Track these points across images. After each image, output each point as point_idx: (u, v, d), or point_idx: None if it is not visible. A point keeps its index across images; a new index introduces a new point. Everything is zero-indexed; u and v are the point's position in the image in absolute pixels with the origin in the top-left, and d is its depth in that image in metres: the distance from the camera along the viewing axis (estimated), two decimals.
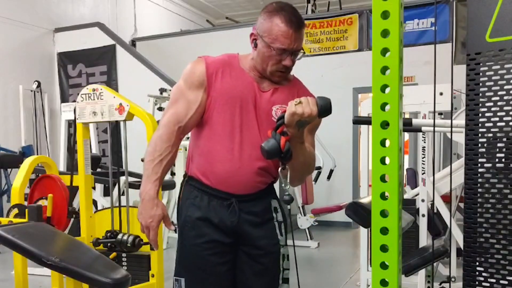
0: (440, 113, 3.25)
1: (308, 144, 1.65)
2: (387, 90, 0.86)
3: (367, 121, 2.47)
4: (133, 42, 8.48)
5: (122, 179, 2.87)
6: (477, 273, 1.00)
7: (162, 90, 5.65)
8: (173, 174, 5.22)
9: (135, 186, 3.69)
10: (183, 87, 1.66)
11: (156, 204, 1.59)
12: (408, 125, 2.28)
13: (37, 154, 6.44)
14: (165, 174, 1.64)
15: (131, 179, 3.55)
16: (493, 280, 0.98)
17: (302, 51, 1.65)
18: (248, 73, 1.68)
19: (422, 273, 2.92)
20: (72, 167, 3.06)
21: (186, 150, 4.13)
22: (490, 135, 0.98)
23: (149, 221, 1.59)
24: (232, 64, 1.68)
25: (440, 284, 3.25)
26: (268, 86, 1.69)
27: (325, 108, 1.46)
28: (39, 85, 7.06)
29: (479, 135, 0.99)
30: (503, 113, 0.96)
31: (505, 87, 0.95)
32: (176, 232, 1.79)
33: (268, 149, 1.45)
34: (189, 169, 1.74)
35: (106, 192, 5.01)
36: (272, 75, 1.66)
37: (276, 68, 1.63)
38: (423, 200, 3.00)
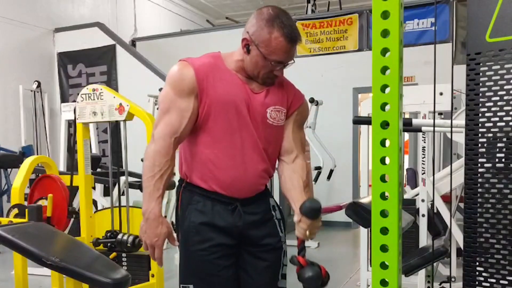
0: (440, 113, 3.25)
1: (300, 141, 1.74)
2: (387, 90, 0.86)
3: (367, 121, 2.47)
4: (133, 42, 8.48)
5: (122, 179, 2.87)
6: (477, 273, 1.00)
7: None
8: (173, 174, 5.21)
9: (135, 186, 3.69)
10: (172, 95, 1.59)
11: (161, 222, 1.56)
12: (408, 125, 2.28)
13: (37, 154, 6.44)
14: (165, 188, 1.62)
15: (131, 179, 3.55)
16: (493, 280, 0.98)
17: (293, 60, 1.65)
18: (236, 74, 1.65)
19: (422, 273, 2.92)
20: (72, 167, 3.06)
21: None
22: (490, 135, 0.98)
23: (155, 240, 1.56)
24: (219, 66, 1.64)
25: (440, 284, 3.25)
26: (258, 87, 1.67)
27: (317, 213, 1.57)
28: (39, 85, 7.06)
29: (479, 135, 0.99)
30: (503, 113, 0.96)
31: (505, 87, 0.95)
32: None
33: (318, 276, 1.53)
34: (186, 175, 1.71)
35: (106, 192, 5.01)
36: (263, 82, 1.65)
37: (267, 76, 1.63)
38: (423, 200, 3.00)
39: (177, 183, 1.78)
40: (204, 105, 1.60)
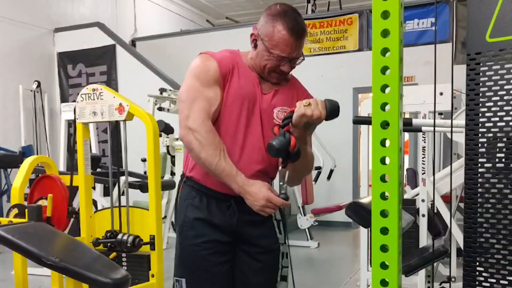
0: (440, 113, 3.25)
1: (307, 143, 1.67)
2: (387, 90, 0.86)
3: (367, 121, 2.46)
4: (133, 42, 8.48)
5: (122, 179, 2.86)
6: (477, 273, 1.00)
7: (162, 90, 5.65)
8: (173, 174, 5.21)
9: (135, 186, 3.69)
10: (198, 85, 1.58)
11: (253, 182, 1.55)
12: (408, 125, 2.27)
13: (37, 154, 6.44)
14: None
15: (131, 179, 3.54)
16: (493, 280, 0.98)
17: (302, 57, 1.64)
18: (253, 72, 1.67)
19: (422, 273, 2.92)
20: (72, 167, 3.06)
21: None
22: (490, 135, 0.98)
23: (262, 195, 1.53)
24: (239, 62, 1.67)
25: (440, 284, 3.25)
26: (268, 88, 1.68)
27: (333, 111, 1.49)
28: (39, 85, 7.06)
29: (479, 135, 0.99)
30: (503, 113, 0.96)
31: (505, 87, 0.95)
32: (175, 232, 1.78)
33: (278, 147, 1.41)
34: (187, 170, 1.72)
35: (106, 192, 5.01)
36: (270, 77, 1.66)
37: (273, 71, 1.63)
38: (423, 200, 3.00)
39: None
40: (221, 98, 1.62)
